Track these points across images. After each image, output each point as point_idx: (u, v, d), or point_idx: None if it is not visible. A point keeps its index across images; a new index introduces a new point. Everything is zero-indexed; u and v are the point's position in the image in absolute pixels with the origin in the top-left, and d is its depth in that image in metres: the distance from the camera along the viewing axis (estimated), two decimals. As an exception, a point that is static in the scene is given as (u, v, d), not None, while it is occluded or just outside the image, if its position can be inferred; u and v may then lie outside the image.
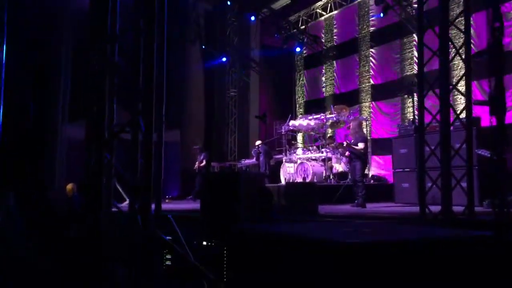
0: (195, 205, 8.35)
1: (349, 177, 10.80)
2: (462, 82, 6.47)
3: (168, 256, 5.07)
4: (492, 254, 2.92)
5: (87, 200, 4.41)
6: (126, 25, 4.52)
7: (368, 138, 12.93)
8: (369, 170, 13.20)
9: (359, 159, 8.80)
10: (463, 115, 6.44)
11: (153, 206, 4.87)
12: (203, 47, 16.17)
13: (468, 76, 6.12)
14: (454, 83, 6.43)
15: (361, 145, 8.79)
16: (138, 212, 4.41)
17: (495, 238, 3.07)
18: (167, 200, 11.98)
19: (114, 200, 4.78)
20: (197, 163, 12.67)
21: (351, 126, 9.55)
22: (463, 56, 6.20)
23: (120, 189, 6.97)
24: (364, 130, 13.16)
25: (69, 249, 4.64)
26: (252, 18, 16.10)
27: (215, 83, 17.26)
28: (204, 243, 5.27)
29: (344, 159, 12.39)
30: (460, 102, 11.23)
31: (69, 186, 9.60)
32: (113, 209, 4.76)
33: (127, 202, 6.01)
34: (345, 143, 9.43)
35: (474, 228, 4.10)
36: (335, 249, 2.39)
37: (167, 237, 4.73)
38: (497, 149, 4.67)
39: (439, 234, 3.34)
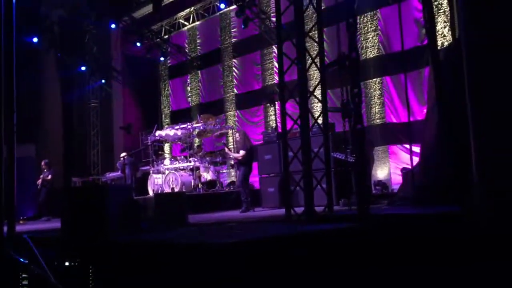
0: (54, 224, 7.75)
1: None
2: (318, 92, 6.97)
3: (25, 282, 4.61)
4: (355, 241, 3.20)
5: None
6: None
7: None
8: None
9: (243, 166, 9.36)
10: (320, 121, 6.92)
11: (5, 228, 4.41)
12: (59, 55, 15.14)
13: (323, 83, 6.60)
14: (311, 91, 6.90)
15: (241, 152, 9.33)
16: (-13, 235, 3.92)
17: (358, 228, 3.36)
18: (21, 221, 10.92)
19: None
20: (41, 176, 11.93)
21: (236, 137, 10.34)
22: (318, 65, 6.67)
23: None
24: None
25: None
26: (113, 26, 15.49)
27: (74, 93, 16.28)
28: (67, 263, 4.90)
29: (212, 167, 12.53)
30: (317, 110, 12.06)
31: None
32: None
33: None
34: (226, 149, 10.68)
35: (336, 223, 4.42)
36: (208, 250, 2.39)
37: (24, 260, 4.30)
38: (357, 149, 5.07)
39: (305, 229, 3.53)
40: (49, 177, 12.02)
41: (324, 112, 6.65)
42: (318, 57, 6.72)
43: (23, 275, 4.44)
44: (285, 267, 2.72)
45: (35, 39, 14.13)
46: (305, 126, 6.28)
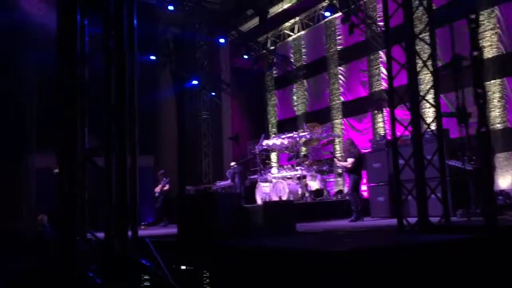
0: (172, 229, 8.21)
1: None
2: (430, 96, 6.63)
3: (147, 283, 4.93)
4: (483, 253, 2.96)
5: (60, 227, 4.25)
6: (95, 45, 4.44)
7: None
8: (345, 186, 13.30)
9: (352, 174, 9.26)
10: (432, 127, 6.57)
11: (129, 232, 4.74)
12: (174, 70, 16.14)
13: (436, 87, 6.26)
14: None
15: (349, 160, 9.23)
16: (114, 237, 4.28)
17: (485, 239, 3.11)
18: (142, 227, 11.76)
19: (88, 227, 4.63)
20: (159, 186, 12.73)
21: (344, 146, 10.60)
22: (431, 68, 6.35)
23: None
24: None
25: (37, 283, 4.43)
26: (222, 40, 16.20)
27: (187, 106, 17.21)
28: (183, 267, 5.16)
29: (319, 176, 12.46)
30: (428, 115, 11.46)
31: (40, 217, 9.33)
32: (88, 236, 4.61)
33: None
34: (335, 160, 10.67)
35: (456, 234, 4.13)
36: (319, 258, 2.37)
37: (146, 262, 4.60)
38: (482, 156, 4.73)
39: (420, 240, 3.36)
40: (166, 187, 12.86)
41: (438, 117, 6.29)
42: (429, 60, 6.40)
43: (146, 276, 4.76)
44: (404, 280, 2.59)
45: (152, 57, 15.23)
46: (417, 132, 6.00)
